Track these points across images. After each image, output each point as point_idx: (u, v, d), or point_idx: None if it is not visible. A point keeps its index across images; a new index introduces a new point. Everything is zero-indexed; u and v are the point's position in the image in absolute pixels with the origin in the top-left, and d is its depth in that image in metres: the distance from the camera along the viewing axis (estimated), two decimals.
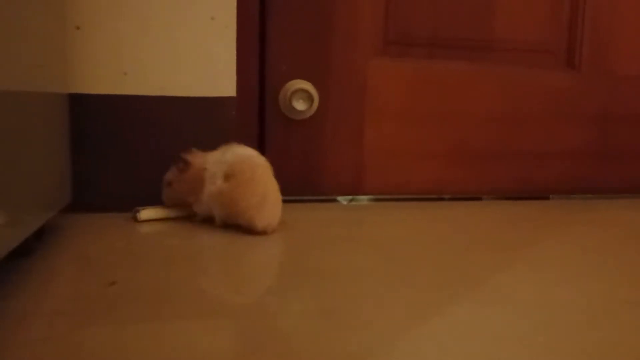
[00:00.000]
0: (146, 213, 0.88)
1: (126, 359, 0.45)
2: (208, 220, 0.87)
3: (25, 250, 0.63)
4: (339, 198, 1.10)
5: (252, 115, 1.04)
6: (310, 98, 1.03)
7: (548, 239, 0.88)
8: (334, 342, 0.49)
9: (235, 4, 0.95)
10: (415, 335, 0.51)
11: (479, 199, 1.17)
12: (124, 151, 0.93)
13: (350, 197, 1.11)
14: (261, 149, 1.05)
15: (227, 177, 0.82)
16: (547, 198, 1.21)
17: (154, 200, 0.89)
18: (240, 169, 0.82)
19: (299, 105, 1.03)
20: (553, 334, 0.53)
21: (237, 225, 0.84)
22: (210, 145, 0.97)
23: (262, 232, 0.82)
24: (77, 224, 0.85)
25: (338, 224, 0.95)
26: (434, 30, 1.12)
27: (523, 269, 0.73)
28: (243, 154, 0.85)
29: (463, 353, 0.48)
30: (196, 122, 0.96)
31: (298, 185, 1.07)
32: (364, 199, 1.11)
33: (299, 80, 1.04)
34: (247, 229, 0.83)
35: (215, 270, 0.71)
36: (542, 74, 1.18)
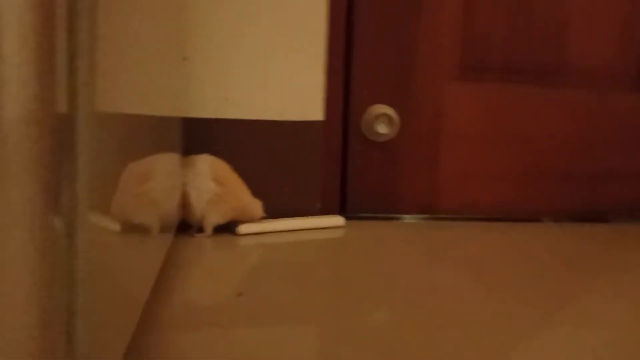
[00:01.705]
0: (244, 228, 0.95)
1: None
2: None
3: None
4: (405, 216, 1.14)
5: (336, 137, 1.11)
6: (391, 122, 1.09)
7: (632, 262, 0.91)
8: (442, 353, 0.54)
9: (325, 36, 1.03)
10: (521, 350, 0.56)
11: (539, 220, 1.20)
12: None
13: (405, 216, 1.15)
14: (343, 168, 1.12)
15: (217, 180, 0.92)
16: (606, 221, 1.22)
17: None
18: (224, 172, 0.94)
19: (382, 128, 1.09)
20: None
21: (226, 227, 0.94)
22: (299, 164, 1.04)
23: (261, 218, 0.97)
24: (182, 238, 0.92)
25: (415, 241, 1.01)
26: (507, 55, 1.17)
27: (609, 291, 0.76)
28: (211, 160, 0.94)
29: None
30: (287, 144, 1.03)
31: (376, 203, 1.13)
32: (416, 218, 1.15)
33: (381, 105, 1.10)
34: (247, 219, 0.96)
35: (321, 284, 0.77)
36: (611, 97, 1.22)
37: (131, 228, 0.48)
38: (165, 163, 0.70)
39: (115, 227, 0.43)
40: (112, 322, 0.36)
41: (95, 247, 0.32)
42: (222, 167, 0.95)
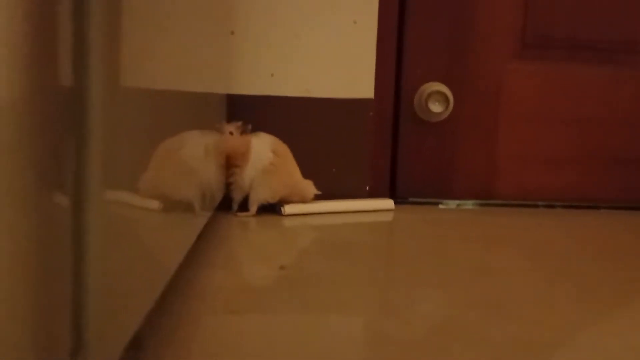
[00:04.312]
0: (290, 208, 0.92)
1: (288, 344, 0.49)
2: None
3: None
4: (459, 202, 1.09)
5: (387, 116, 1.06)
6: (446, 100, 1.04)
7: None
8: (501, 333, 0.50)
9: (377, 9, 0.98)
10: (586, 330, 0.52)
11: (604, 208, 1.12)
12: None
13: (458, 201, 1.09)
14: (394, 149, 1.07)
15: (275, 152, 0.91)
16: None
17: None
18: (282, 148, 0.92)
19: (435, 107, 1.04)
20: None
21: (272, 208, 0.91)
22: (348, 144, 1.01)
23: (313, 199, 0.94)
24: (225, 216, 0.90)
25: (470, 226, 0.96)
26: (573, 33, 1.09)
27: None
28: (273, 137, 0.93)
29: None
30: (335, 122, 0.99)
31: (428, 187, 1.08)
32: (469, 204, 1.09)
33: (434, 83, 1.05)
34: (298, 199, 0.92)
35: (365, 263, 0.74)
36: None
37: (169, 204, 0.46)
38: (203, 139, 0.68)
39: (148, 202, 0.41)
40: (125, 305, 0.34)
41: (112, 225, 0.30)
42: (282, 145, 0.93)
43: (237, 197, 0.90)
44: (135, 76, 0.38)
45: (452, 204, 1.08)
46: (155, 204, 0.43)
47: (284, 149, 0.93)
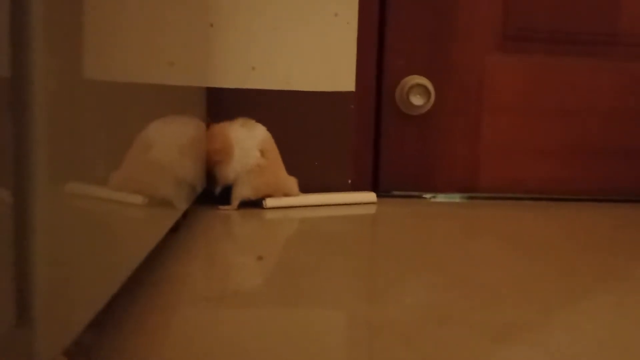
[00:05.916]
0: (271, 201, 0.92)
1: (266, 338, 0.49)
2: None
3: (174, 227, 0.69)
4: (441, 195, 1.09)
5: (369, 109, 1.07)
6: (427, 93, 1.04)
7: None
8: (482, 316, 0.51)
9: (357, 1, 0.98)
10: (566, 311, 0.52)
11: (586, 200, 1.12)
12: None
13: (446, 194, 1.09)
14: (376, 143, 1.07)
15: (262, 152, 0.90)
16: None
17: None
18: (271, 147, 0.92)
19: (416, 100, 1.04)
20: None
21: (254, 201, 0.91)
22: (329, 138, 1.01)
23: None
24: (206, 209, 0.90)
25: (452, 218, 0.96)
26: (554, 25, 1.10)
27: None
28: (265, 131, 0.92)
29: (618, 326, 0.49)
30: (317, 116, 0.99)
31: (410, 180, 1.09)
32: (456, 197, 1.10)
33: (416, 76, 1.05)
34: (282, 196, 0.93)
35: (345, 253, 0.74)
36: None
37: (136, 195, 0.46)
38: (178, 129, 0.67)
39: (111, 194, 0.41)
40: (80, 287, 0.33)
41: (65, 213, 0.30)
42: (270, 141, 0.93)
43: (220, 184, 0.90)
44: (100, 69, 0.38)
45: (440, 197, 1.08)
46: (120, 195, 0.43)
47: (272, 148, 0.92)
